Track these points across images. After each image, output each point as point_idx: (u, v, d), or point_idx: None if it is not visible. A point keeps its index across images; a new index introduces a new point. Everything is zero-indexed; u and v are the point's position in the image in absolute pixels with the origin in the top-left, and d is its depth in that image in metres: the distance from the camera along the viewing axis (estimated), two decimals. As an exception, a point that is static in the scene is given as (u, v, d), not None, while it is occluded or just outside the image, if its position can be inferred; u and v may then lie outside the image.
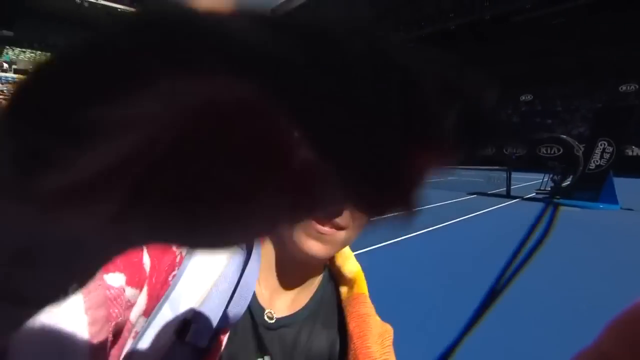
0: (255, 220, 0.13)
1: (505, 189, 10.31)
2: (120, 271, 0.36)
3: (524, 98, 28.83)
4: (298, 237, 0.45)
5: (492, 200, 9.19)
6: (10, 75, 22.32)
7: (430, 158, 0.12)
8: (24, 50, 25.94)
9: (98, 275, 0.29)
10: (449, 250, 4.80)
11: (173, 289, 0.41)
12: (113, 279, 0.35)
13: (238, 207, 0.12)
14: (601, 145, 8.81)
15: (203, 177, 0.11)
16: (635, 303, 0.21)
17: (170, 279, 0.42)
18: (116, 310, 0.34)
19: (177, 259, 0.43)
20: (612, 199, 8.46)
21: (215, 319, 0.41)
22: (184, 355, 0.39)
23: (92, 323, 0.29)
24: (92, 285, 0.30)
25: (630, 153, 19.26)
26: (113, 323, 0.33)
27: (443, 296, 3.24)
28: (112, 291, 0.34)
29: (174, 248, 0.42)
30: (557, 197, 9.15)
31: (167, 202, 0.11)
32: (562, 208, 8.16)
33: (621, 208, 8.27)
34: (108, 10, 27.79)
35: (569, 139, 10.71)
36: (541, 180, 12.58)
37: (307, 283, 0.54)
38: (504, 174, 10.49)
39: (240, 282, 0.44)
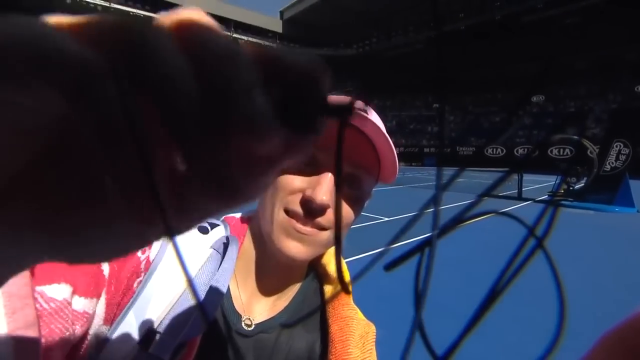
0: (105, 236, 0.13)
1: (516, 191, 10.15)
2: (65, 281, 0.32)
3: (535, 99, 28.37)
4: (277, 238, 0.43)
5: (503, 203, 9.04)
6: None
7: (249, 142, 0.12)
8: None
9: (25, 290, 0.27)
10: (459, 254, 4.73)
11: (138, 296, 0.38)
12: (54, 290, 0.31)
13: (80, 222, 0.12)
14: (617, 146, 8.59)
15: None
16: (630, 317, 0.21)
17: (135, 285, 0.39)
18: (59, 326, 0.30)
19: (143, 264, 0.40)
20: (628, 201, 8.24)
21: (183, 328, 0.38)
22: None
23: (19, 349, 0.25)
24: (18, 304, 0.26)
25: (646, 154, 18.78)
26: (58, 339, 0.29)
27: (454, 301, 3.18)
28: (52, 305, 0.30)
29: (139, 253, 0.40)
30: (571, 199, 8.95)
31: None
32: (576, 211, 7.99)
33: (638, 211, 8.05)
34: (121, 14, 28.20)
35: (582, 139, 10.49)
36: (554, 183, 12.34)
37: (288, 285, 0.52)
38: (515, 176, 10.34)
39: (210, 286, 0.41)
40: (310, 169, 0.43)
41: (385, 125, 0.51)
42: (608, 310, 3.16)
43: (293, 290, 0.53)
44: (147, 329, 0.37)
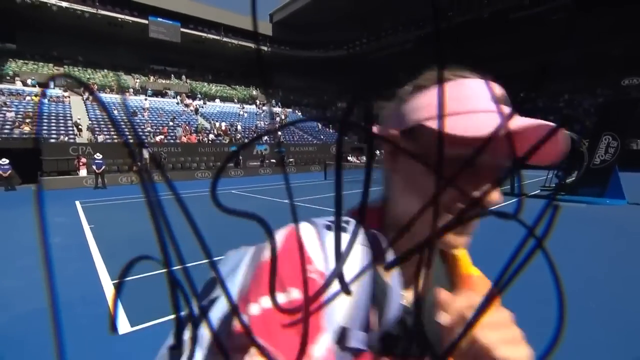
0: None
1: (509, 186, 10.20)
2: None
3: (523, 95, 28.68)
4: (447, 237, 0.45)
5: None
6: (15, 87, 22.53)
7: None
8: (26, 62, 26.17)
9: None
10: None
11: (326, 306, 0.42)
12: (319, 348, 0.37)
13: None
14: (605, 139, 8.72)
15: None
16: None
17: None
18: None
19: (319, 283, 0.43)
20: (619, 193, 8.36)
21: (366, 320, 0.42)
22: None
23: None
24: None
25: (635, 147, 19.06)
26: None
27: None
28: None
29: (313, 275, 0.43)
30: (562, 193, 9.06)
31: None
32: (568, 204, 8.08)
33: (628, 203, 8.17)
34: (109, 21, 28.00)
35: (572, 134, 10.62)
36: (545, 177, 12.48)
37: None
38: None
39: (392, 285, 0.45)
40: (471, 171, 0.44)
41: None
42: (602, 302, 3.20)
43: (430, 272, 0.54)
44: (340, 328, 0.41)
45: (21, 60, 26.29)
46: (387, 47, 33.82)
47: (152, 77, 31.57)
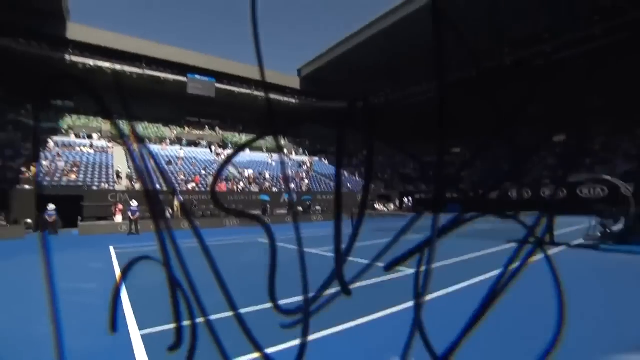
0: None
1: (547, 235, 9.58)
2: None
3: (557, 139, 28.00)
4: None
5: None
6: (68, 139, 24.82)
7: None
8: (79, 117, 29.04)
9: None
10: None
11: None
12: None
13: None
14: (652, 184, 8.17)
15: None
16: None
17: None
18: None
19: None
20: (676, 243, 7.62)
21: None
22: None
23: None
24: None
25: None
26: None
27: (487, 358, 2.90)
28: None
29: None
30: (609, 242, 8.37)
31: None
32: (618, 256, 7.41)
33: (688, 253, 7.39)
34: (153, 79, 31.01)
35: (613, 179, 10.05)
36: (588, 225, 11.66)
37: None
38: (544, 219, 9.80)
39: None
40: None
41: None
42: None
43: None
44: None
45: (75, 115, 29.15)
46: (411, 97, 34.74)
47: (187, 129, 33.80)
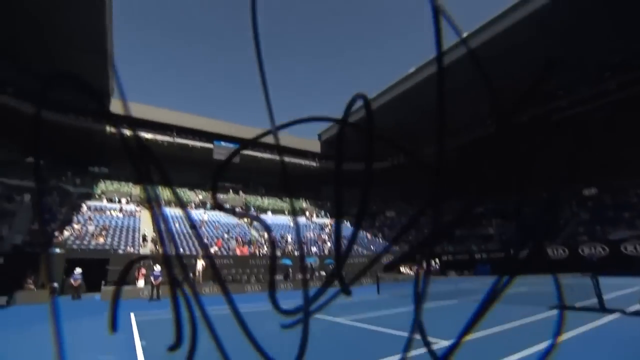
0: None
1: (596, 299, 8.58)
2: None
3: (587, 192, 26.88)
4: None
5: (584, 316, 7.60)
6: (100, 203, 26.16)
7: None
8: (112, 182, 30.88)
9: None
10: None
11: None
12: None
13: None
14: None
15: None
16: None
17: None
18: None
19: None
20: None
21: None
22: None
23: None
24: None
25: None
26: None
27: None
28: None
29: None
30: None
31: None
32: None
33: None
34: (182, 147, 33.21)
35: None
36: (640, 287, 10.55)
37: None
38: (588, 281, 8.92)
39: None
40: None
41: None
42: None
43: None
44: None
45: (109, 181, 30.98)
46: (430, 155, 35.09)
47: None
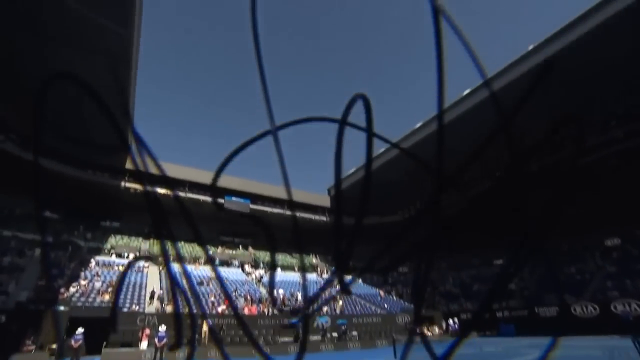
0: None
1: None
2: None
3: (610, 243, 25.68)
4: None
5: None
6: (109, 258, 25.98)
7: None
8: (122, 237, 30.95)
9: None
10: None
11: None
12: None
13: None
14: None
15: None
16: None
17: None
18: None
19: None
20: None
21: None
22: None
23: None
24: None
25: None
26: None
27: None
28: None
29: None
30: None
31: None
32: None
33: None
34: (193, 202, 33.68)
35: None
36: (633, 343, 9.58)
37: None
38: (627, 343, 8.14)
39: None
40: None
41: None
42: None
43: None
44: None
45: (119, 235, 31.08)
46: (443, 209, 34.65)
47: (220, 248, 34.58)
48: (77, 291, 18.91)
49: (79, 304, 17.66)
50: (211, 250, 33.54)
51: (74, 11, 19.12)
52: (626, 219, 24.85)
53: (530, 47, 24.02)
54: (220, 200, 34.87)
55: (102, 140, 28.28)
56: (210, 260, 31.24)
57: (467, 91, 27.18)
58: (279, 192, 38.38)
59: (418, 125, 31.36)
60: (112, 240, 29.95)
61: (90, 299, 18.52)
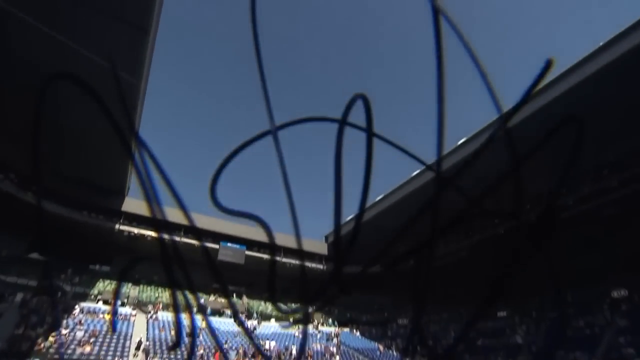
0: None
1: None
2: None
3: (617, 294, 24.75)
4: None
5: None
6: (94, 305, 24.61)
7: None
8: (111, 282, 29.63)
9: None
10: None
11: None
12: None
13: None
14: None
15: None
16: None
17: None
18: None
19: None
20: None
21: None
22: None
23: None
24: None
25: None
26: None
27: None
28: None
29: None
30: None
31: None
32: None
33: None
34: (187, 247, 32.81)
35: None
36: None
37: None
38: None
39: None
40: None
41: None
42: None
43: None
44: None
45: (108, 280, 29.84)
46: (442, 257, 33.94)
47: (212, 296, 33.13)
48: (56, 341, 17.71)
49: (57, 356, 16.46)
50: (203, 298, 32.11)
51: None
52: (630, 267, 24.28)
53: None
54: (215, 246, 34.10)
55: (101, 181, 28.35)
56: (201, 309, 29.76)
57: (462, 140, 27.90)
58: (278, 238, 37.72)
59: (414, 174, 31.70)
60: (100, 285, 28.70)
61: (69, 351, 17.30)
